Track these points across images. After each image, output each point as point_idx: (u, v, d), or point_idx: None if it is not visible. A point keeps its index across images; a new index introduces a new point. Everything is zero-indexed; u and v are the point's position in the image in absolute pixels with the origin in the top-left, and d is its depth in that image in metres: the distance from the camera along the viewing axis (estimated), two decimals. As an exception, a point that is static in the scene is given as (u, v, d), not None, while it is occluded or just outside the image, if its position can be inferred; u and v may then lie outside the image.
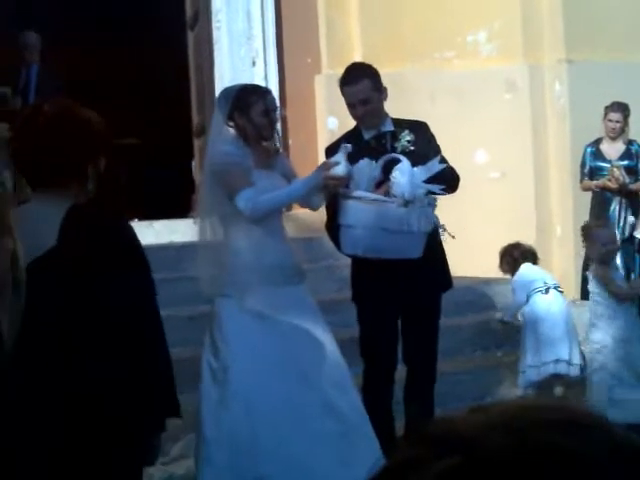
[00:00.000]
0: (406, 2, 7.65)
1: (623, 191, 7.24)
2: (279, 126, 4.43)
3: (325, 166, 4.13)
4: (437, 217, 4.27)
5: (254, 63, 7.63)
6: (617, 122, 7.33)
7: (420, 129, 4.49)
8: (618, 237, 6.91)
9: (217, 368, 4.02)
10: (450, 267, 4.65)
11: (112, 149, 2.90)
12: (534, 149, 7.56)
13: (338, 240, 4.31)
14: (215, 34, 7.61)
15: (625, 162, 7.34)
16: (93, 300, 2.57)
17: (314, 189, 4.13)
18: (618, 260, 6.67)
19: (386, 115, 4.51)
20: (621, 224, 7.24)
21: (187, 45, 8.44)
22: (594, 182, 7.33)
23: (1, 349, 2.20)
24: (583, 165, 7.40)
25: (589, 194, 7.36)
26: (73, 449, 2.57)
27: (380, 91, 4.46)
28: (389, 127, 4.47)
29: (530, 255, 6.33)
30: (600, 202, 7.30)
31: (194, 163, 8.28)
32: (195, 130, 8.21)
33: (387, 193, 4.18)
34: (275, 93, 5.22)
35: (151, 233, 6.73)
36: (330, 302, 5.52)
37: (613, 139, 7.40)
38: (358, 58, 6.86)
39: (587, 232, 5.88)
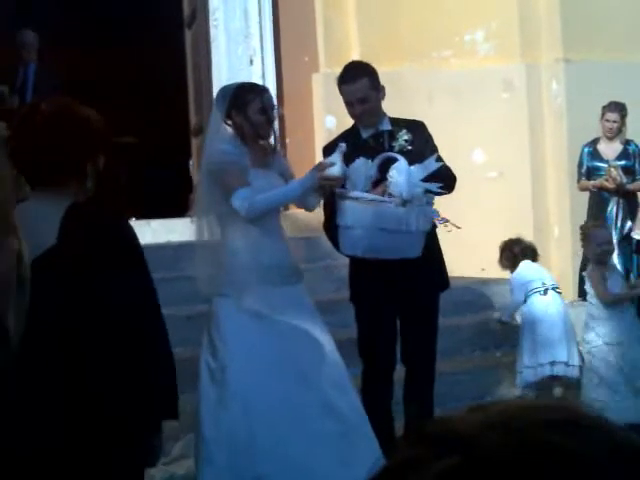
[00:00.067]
0: (403, 1, 7.65)
1: (620, 191, 7.23)
2: (276, 125, 4.42)
3: (320, 167, 4.11)
4: (438, 211, 4.23)
5: (251, 61, 7.62)
6: (614, 122, 7.32)
7: (418, 128, 4.48)
8: (615, 238, 6.91)
9: (215, 368, 4.01)
10: (447, 266, 4.65)
11: (111, 147, 2.89)
12: (531, 149, 7.56)
13: (336, 240, 4.30)
14: (212, 32, 7.60)
15: (622, 162, 7.33)
16: (93, 299, 2.57)
17: (310, 189, 4.11)
18: (616, 260, 6.68)
19: (384, 114, 4.51)
20: (618, 224, 7.23)
21: (184, 44, 8.44)
22: (591, 182, 7.32)
23: (7, 346, 2.20)
24: (580, 165, 7.39)
25: (586, 194, 7.35)
26: (73, 449, 2.56)
27: (378, 90, 4.46)
28: (387, 126, 4.47)
29: (530, 252, 6.30)
30: (598, 202, 7.29)
31: (192, 162, 8.27)
32: (193, 129, 8.20)
33: (384, 192, 4.17)
34: (272, 91, 5.20)
35: (148, 232, 6.71)
36: (328, 302, 5.51)
37: (610, 139, 7.39)
38: (356, 57, 6.85)
39: (585, 232, 5.89)
